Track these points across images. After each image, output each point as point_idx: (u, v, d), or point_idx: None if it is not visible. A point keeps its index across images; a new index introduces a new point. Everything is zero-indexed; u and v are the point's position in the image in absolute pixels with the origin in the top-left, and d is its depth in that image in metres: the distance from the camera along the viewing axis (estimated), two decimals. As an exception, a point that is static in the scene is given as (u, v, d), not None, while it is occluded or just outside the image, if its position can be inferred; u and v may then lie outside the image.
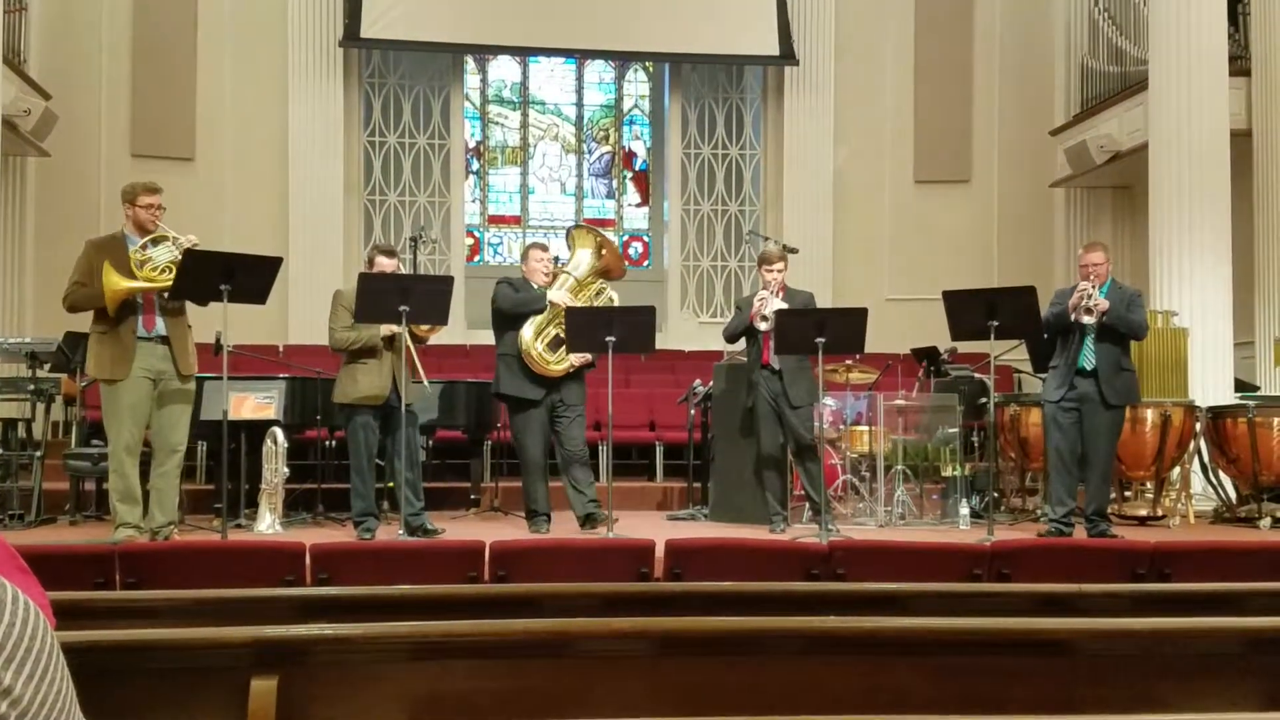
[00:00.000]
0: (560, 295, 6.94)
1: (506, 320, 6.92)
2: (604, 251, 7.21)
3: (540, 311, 6.85)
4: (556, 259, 7.38)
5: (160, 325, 5.88)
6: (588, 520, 6.78)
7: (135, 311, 5.81)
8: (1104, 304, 6.41)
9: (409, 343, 6.41)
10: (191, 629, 2.25)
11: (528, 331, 6.80)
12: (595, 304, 7.03)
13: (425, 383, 6.90)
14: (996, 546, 4.34)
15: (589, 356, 6.90)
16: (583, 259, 7.17)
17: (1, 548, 1.26)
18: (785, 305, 6.89)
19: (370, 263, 6.74)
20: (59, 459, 7.54)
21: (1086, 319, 6.38)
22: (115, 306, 5.74)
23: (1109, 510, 6.88)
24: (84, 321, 8.73)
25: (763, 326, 6.86)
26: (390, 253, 6.78)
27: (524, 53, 13.41)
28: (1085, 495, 6.67)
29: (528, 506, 6.91)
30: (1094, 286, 6.45)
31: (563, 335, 6.77)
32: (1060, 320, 6.56)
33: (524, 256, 7.24)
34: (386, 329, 6.40)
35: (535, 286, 6.98)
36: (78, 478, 7.38)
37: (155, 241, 5.84)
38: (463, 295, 11.73)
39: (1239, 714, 2.27)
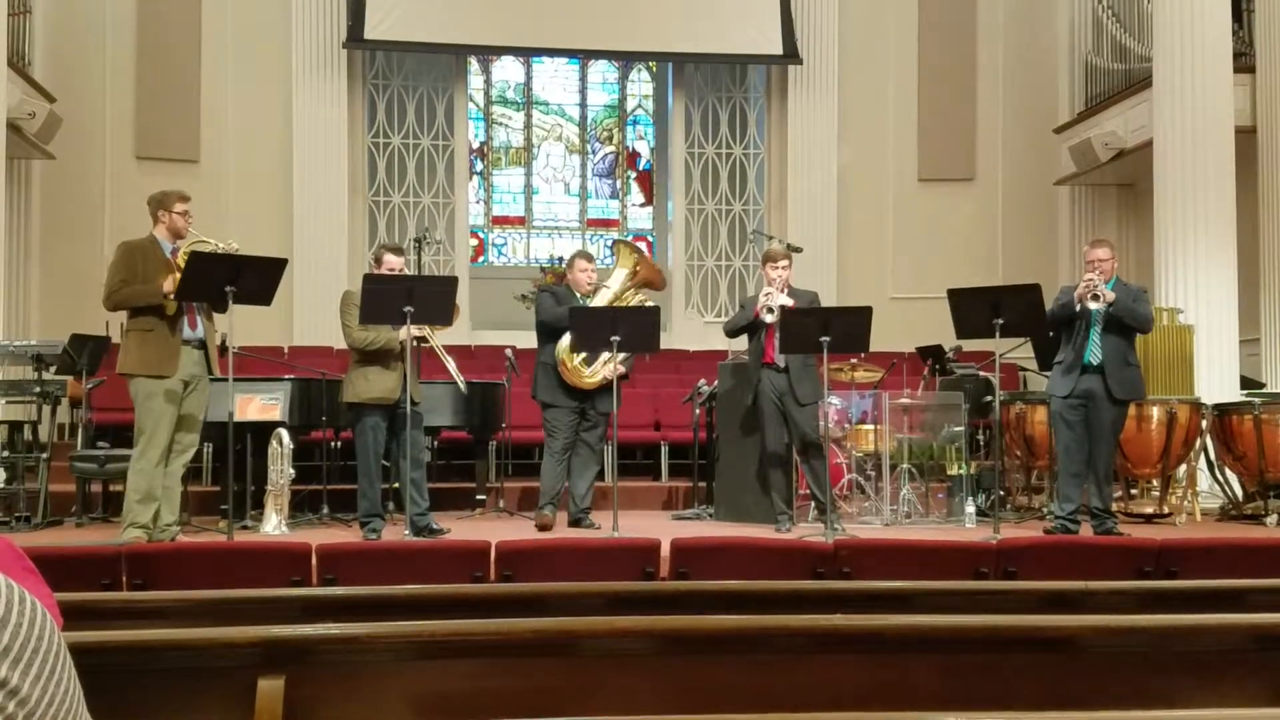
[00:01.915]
0: None
1: (546, 331, 7.08)
2: (638, 269, 7.32)
3: None
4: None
5: (200, 327, 6.04)
6: (577, 523, 7.04)
7: (181, 312, 5.96)
8: (1110, 295, 6.41)
9: (436, 344, 6.60)
10: (198, 629, 2.25)
11: (564, 343, 6.94)
12: None
13: (461, 382, 6.96)
14: (1002, 544, 4.34)
15: (623, 369, 6.98)
16: (618, 277, 7.28)
17: (9, 549, 1.26)
18: (790, 301, 6.89)
19: (378, 261, 6.77)
20: (65, 461, 7.55)
21: (1093, 305, 6.37)
22: (175, 305, 5.90)
23: (1114, 508, 6.87)
24: (89, 324, 8.78)
25: (769, 319, 6.87)
26: (398, 250, 6.85)
27: (527, 53, 13.42)
28: (1090, 491, 6.66)
29: (543, 489, 7.00)
30: (1100, 280, 6.45)
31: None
32: (1065, 311, 6.55)
33: (569, 265, 7.39)
34: (406, 330, 6.45)
35: (578, 295, 7.10)
36: (84, 480, 7.39)
37: (196, 247, 5.99)
38: (467, 296, 11.73)
39: (1246, 710, 2.27)
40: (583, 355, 6.98)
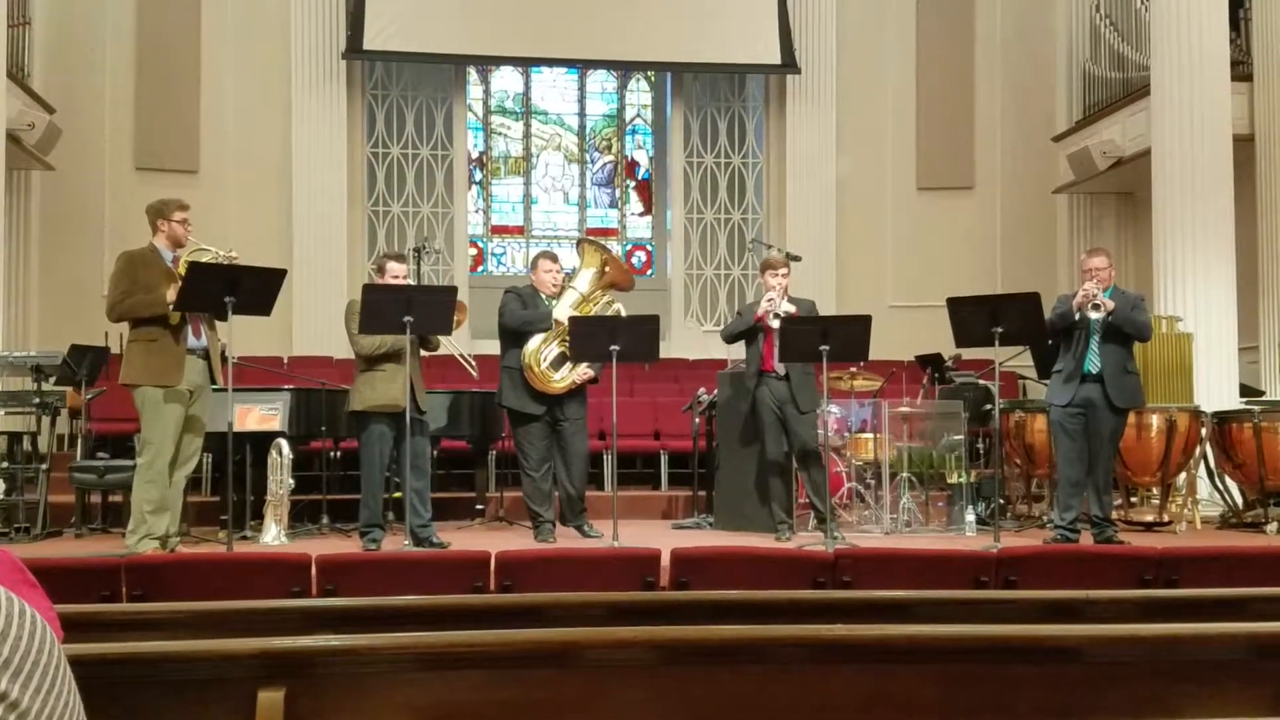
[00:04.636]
0: (566, 313, 6.96)
1: (511, 334, 6.97)
2: (607, 269, 7.22)
3: (547, 329, 6.88)
4: (568, 273, 7.41)
5: (204, 336, 6.04)
6: (577, 529, 7.00)
7: (185, 321, 5.96)
8: (1109, 303, 6.40)
9: (457, 348, 6.65)
10: (198, 641, 2.25)
11: (530, 348, 6.85)
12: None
13: (472, 369, 6.96)
14: (1003, 553, 4.34)
15: (591, 372, 6.92)
16: (585, 277, 7.18)
17: (8, 561, 1.26)
18: (794, 308, 6.90)
19: (380, 270, 6.76)
20: (64, 472, 7.55)
21: (1093, 314, 6.36)
22: (179, 315, 5.90)
23: (1114, 516, 6.86)
24: (88, 334, 8.78)
25: (775, 324, 6.85)
26: (401, 258, 6.85)
27: (526, 63, 13.44)
28: (1090, 500, 6.66)
29: (532, 512, 6.92)
30: (1098, 289, 6.45)
31: (567, 353, 6.83)
32: (1064, 320, 6.54)
33: (533, 265, 7.29)
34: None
35: (543, 296, 7.02)
36: (83, 490, 7.38)
37: (196, 255, 5.99)
38: (467, 306, 11.71)
39: (1246, 719, 2.27)
40: (550, 360, 6.88)
